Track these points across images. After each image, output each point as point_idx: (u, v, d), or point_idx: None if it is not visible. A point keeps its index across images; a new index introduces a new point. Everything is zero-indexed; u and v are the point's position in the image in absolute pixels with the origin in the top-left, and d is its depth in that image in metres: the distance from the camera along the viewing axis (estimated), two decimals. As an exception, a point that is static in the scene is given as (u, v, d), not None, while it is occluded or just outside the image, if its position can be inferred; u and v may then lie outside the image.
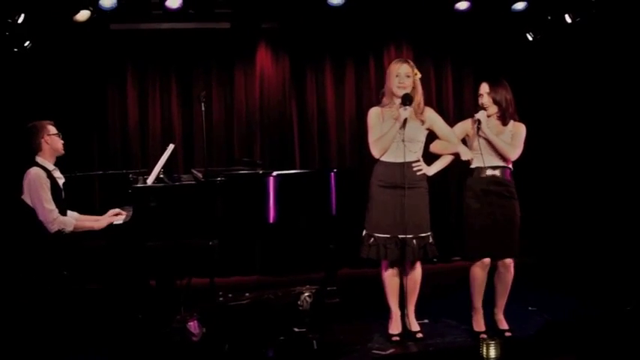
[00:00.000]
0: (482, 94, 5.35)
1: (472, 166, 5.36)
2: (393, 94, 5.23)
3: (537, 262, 7.65)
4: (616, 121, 7.67)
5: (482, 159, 5.32)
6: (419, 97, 5.24)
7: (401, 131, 5.12)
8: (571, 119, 8.25)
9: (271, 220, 5.63)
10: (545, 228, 8.18)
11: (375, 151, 5.22)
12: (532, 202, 7.15)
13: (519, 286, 5.49)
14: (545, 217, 8.21)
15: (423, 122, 5.25)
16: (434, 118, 5.32)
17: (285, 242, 7.76)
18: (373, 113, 5.31)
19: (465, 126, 5.49)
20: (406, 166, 5.16)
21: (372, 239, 5.23)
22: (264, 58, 8.18)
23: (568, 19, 7.54)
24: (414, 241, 5.16)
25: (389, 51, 8.39)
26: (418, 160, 5.27)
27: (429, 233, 5.25)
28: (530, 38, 8.21)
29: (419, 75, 5.26)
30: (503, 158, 5.33)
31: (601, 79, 7.79)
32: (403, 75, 5.18)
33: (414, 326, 5.40)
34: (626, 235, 7.38)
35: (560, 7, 7.63)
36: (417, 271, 5.33)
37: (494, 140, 5.27)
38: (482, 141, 5.30)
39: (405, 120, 5.09)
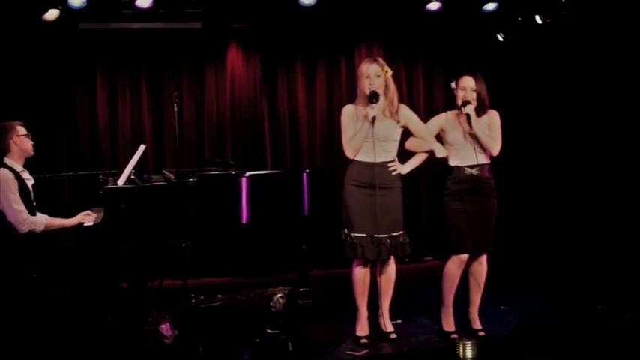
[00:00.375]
0: (465, 88, 5.34)
1: (451, 164, 5.36)
2: (364, 94, 5.21)
3: (509, 261, 7.69)
4: (586, 122, 7.73)
5: (460, 157, 5.33)
6: (391, 93, 5.23)
7: (373, 130, 5.09)
8: (541, 119, 8.33)
9: (244, 221, 5.62)
10: (517, 227, 8.24)
11: (349, 152, 5.21)
12: (504, 201, 7.19)
13: (491, 286, 5.52)
14: (518, 216, 8.26)
15: (398, 121, 5.25)
16: (408, 116, 5.32)
17: (257, 243, 7.74)
18: (347, 111, 5.30)
19: (439, 121, 5.50)
20: (379, 165, 5.15)
21: (349, 238, 5.23)
22: (235, 58, 8.15)
23: (538, 20, 7.60)
24: (388, 240, 5.17)
25: (360, 51, 8.41)
26: (393, 160, 5.26)
27: (401, 232, 5.24)
28: (501, 39, 8.27)
29: (390, 72, 5.25)
30: (483, 155, 5.34)
31: (571, 79, 7.85)
32: (373, 75, 5.18)
33: (388, 326, 5.40)
34: (600, 234, 7.44)
35: (530, 8, 7.70)
36: (391, 269, 5.34)
37: (481, 136, 5.29)
38: (462, 137, 5.32)
39: (374, 118, 5.07)
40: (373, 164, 5.15)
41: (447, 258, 5.50)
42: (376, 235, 5.15)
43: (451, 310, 5.46)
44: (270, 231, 7.35)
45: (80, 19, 7.51)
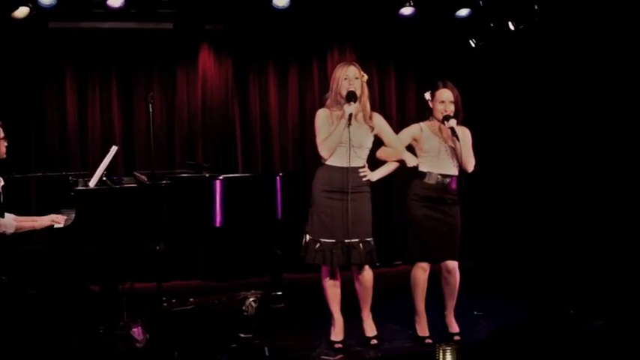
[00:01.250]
0: (444, 102, 5.36)
1: (420, 169, 5.38)
2: (340, 98, 5.19)
3: (479, 265, 7.75)
4: (555, 128, 7.82)
5: (434, 164, 5.35)
6: (365, 98, 5.24)
7: (348, 134, 5.07)
8: (512, 125, 8.42)
9: (217, 224, 5.62)
10: (487, 231, 8.30)
11: (324, 152, 5.17)
12: (475, 206, 7.24)
13: (463, 290, 5.54)
14: (488, 220, 8.33)
15: (372, 128, 5.25)
16: (381, 125, 5.33)
17: (229, 246, 7.73)
18: (322, 114, 5.27)
19: (412, 131, 5.50)
20: (352, 170, 5.14)
21: (319, 244, 5.17)
22: (206, 59, 8.13)
23: (511, 27, 7.64)
24: (361, 245, 5.14)
25: (332, 54, 8.44)
26: (364, 166, 5.25)
27: (371, 238, 5.23)
28: (473, 45, 8.32)
29: (365, 77, 5.28)
30: (456, 168, 5.37)
31: (545, 87, 7.93)
32: (352, 77, 5.19)
33: (369, 332, 5.39)
34: (571, 238, 7.53)
35: (503, 15, 7.75)
36: (368, 275, 5.31)
37: (464, 151, 5.29)
38: (438, 145, 5.34)
39: (351, 116, 5.06)
40: (346, 169, 5.12)
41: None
42: (346, 241, 5.10)
43: (424, 315, 5.47)
44: (243, 234, 7.40)
45: (50, 17, 7.43)
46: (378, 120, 5.32)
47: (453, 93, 5.38)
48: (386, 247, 7.97)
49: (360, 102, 5.20)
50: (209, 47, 8.13)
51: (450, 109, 5.34)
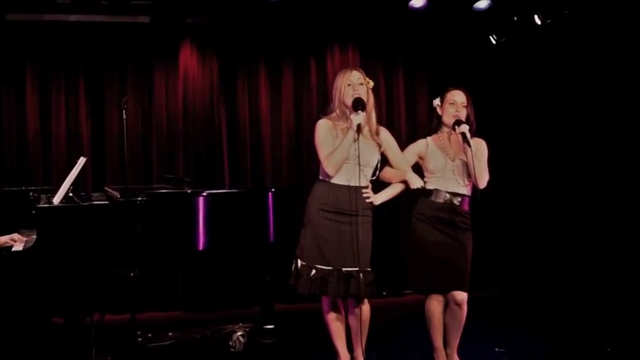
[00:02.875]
0: (454, 103, 5.39)
1: (427, 187, 5.40)
2: (345, 107, 5.20)
3: (499, 294, 7.76)
4: (588, 139, 7.76)
5: (442, 184, 5.38)
6: (370, 107, 5.21)
7: (357, 149, 5.06)
8: (538, 135, 8.38)
9: (200, 247, 5.63)
10: (506, 256, 8.30)
11: (329, 168, 5.12)
12: (492, 227, 7.25)
13: (482, 323, 5.53)
14: (506, 243, 8.33)
15: (379, 145, 5.24)
16: (389, 141, 5.33)
17: (214, 272, 7.71)
18: (323, 125, 5.23)
19: (418, 148, 5.53)
20: (358, 190, 5.14)
21: (314, 272, 5.14)
22: (188, 58, 8.15)
23: (537, 21, 7.65)
24: (361, 275, 5.10)
25: (332, 52, 8.46)
26: (367, 187, 5.24)
27: (370, 269, 5.18)
28: (494, 41, 8.34)
29: (371, 84, 5.28)
30: (466, 187, 5.41)
31: (574, 88, 7.89)
32: (356, 83, 5.18)
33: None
34: (595, 264, 7.52)
35: (528, 7, 7.75)
36: (366, 309, 5.23)
37: (477, 165, 5.30)
38: (444, 163, 5.37)
39: (359, 127, 5.05)
40: (354, 188, 5.12)
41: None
42: (344, 270, 5.08)
43: (443, 352, 5.48)
44: (229, 259, 7.42)
45: (8, 8, 7.45)
46: (386, 136, 5.32)
47: (465, 96, 5.42)
48: (395, 276, 7.95)
49: (364, 112, 5.21)
50: (191, 44, 8.15)
51: (462, 113, 5.37)
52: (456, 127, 5.33)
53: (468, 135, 5.26)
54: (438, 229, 5.34)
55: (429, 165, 5.44)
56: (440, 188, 5.38)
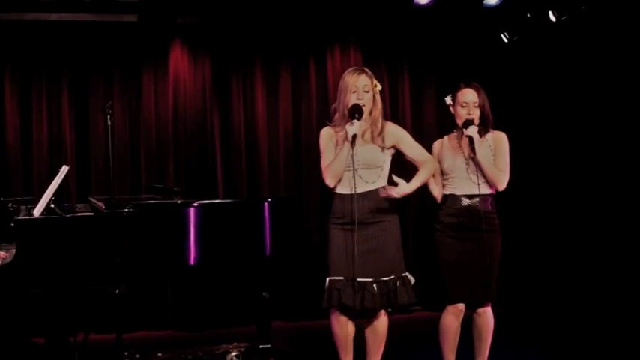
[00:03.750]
0: (466, 104, 5.40)
1: (444, 192, 5.42)
2: (348, 113, 5.24)
3: (507, 310, 7.74)
4: (611, 142, 7.73)
5: (458, 185, 5.40)
6: (377, 112, 5.28)
7: (352, 158, 5.11)
8: (554, 137, 8.36)
9: (192, 262, 5.61)
10: (516, 269, 8.28)
11: (329, 179, 5.25)
12: (510, 239, 7.22)
13: (506, 342, 5.53)
14: (517, 256, 8.30)
15: (382, 146, 5.26)
16: (399, 134, 5.36)
17: (207, 288, 7.71)
18: (324, 134, 5.36)
19: (435, 151, 5.56)
20: (360, 197, 5.16)
21: (327, 283, 5.26)
22: (179, 59, 8.16)
23: (552, 18, 7.63)
24: (374, 285, 5.15)
25: (333, 53, 8.47)
26: (381, 188, 5.24)
27: (392, 277, 5.23)
28: (506, 40, 8.34)
29: (379, 87, 5.33)
30: (486, 185, 5.42)
31: (591, 90, 7.87)
32: (361, 88, 5.23)
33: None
34: (619, 278, 7.51)
35: (542, 3, 7.73)
36: (381, 322, 5.35)
37: (486, 166, 5.34)
38: (461, 163, 5.38)
39: (355, 137, 5.09)
40: (351, 196, 5.16)
41: (440, 308, 5.52)
42: (359, 280, 5.14)
43: None
44: (223, 274, 7.41)
45: (-15, 7, 7.47)
46: (392, 128, 5.35)
47: (478, 94, 5.43)
48: None
49: (370, 117, 5.25)
50: (182, 44, 8.16)
51: (475, 113, 5.39)
52: (464, 129, 5.37)
53: (476, 138, 5.31)
54: (459, 236, 5.38)
55: (443, 165, 5.50)
56: (455, 193, 5.41)
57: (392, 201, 5.28)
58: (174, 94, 8.14)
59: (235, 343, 6.33)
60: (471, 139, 5.30)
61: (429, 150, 5.59)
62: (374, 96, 5.28)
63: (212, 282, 7.58)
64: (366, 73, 5.30)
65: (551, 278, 8.25)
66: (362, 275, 5.13)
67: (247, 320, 7.18)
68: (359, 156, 5.16)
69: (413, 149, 5.39)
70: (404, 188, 5.21)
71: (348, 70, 5.42)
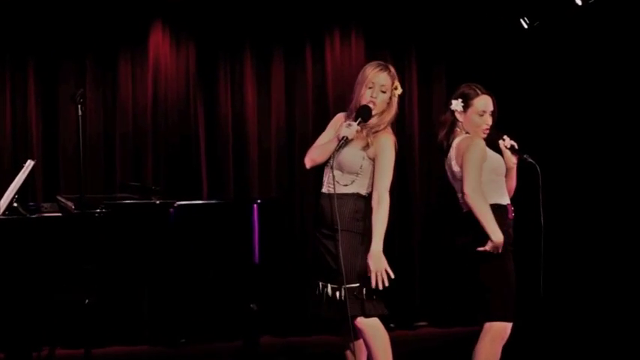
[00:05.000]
0: (484, 113, 5.31)
1: (493, 201, 5.32)
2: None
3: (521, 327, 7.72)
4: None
5: (503, 192, 5.33)
6: (388, 117, 5.21)
7: (334, 152, 5.09)
8: (579, 136, 8.32)
9: (171, 269, 5.60)
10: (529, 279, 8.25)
11: (306, 157, 5.26)
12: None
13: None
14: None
15: (365, 146, 5.19)
16: (383, 148, 5.23)
17: (188, 299, 7.67)
18: (336, 118, 5.40)
19: (483, 148, 5.47)
20: (338, 198, 5.12)
21: (317, 289, 5.24)
22: (160, 43, 8.13)
23: (578, 1, 7.63)
24: (343, 291, 5.09)
25: (332, 39, 8.45)
26: (355, 195, 5.19)
27: (357, 284, 5.14)
28: (526, 25, 8.31)
29: (399, 90, 5.25)
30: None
31: (621, 78, 7.84)
32: (378, 87, 5.16)
33: None
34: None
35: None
36: (362, 330, 5.23)
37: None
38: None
39: (345, 139, 5.05)
40: (327, 195, 5.15)
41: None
42: (331, 286, 5.13)
43: None
44: (206, 283, 7.36)
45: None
46: (384, 140, 5.24)
47: (493, 100, 5.39)
48: (404, 305, 8.02)
49: (379, 118, 5.19)
50: (163, 27, 8.14)
51: (490, 122, 5.36)
52: (500, 141, 5.36)
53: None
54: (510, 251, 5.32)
55: (492, 164, 5.37)
56: (502, 202, 5.32)
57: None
58: (154, 82, 8.11)
59: (220, 360, 6.35)
60: (514, 148, 5.31)
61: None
62: (390, 98, 5.23)
63: (194, 292, 7.53)
64: (389, 71, 5.23)
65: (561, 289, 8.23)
66: (335, 282, 5.11)
67: (233, 335, 7.19)
68: (341, 156, 5.13)
69: (377, 172, 5.21)
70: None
71: (371, 63, 5.33)
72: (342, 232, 5.07)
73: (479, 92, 5.37)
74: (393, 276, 5.03)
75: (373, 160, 5.16)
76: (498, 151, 5.34)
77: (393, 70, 5.27)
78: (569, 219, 8.26)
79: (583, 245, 8.18)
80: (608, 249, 7.95)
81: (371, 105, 5.11)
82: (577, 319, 7.94)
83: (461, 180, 5.19)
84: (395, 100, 5.22)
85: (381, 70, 5.21)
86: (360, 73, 5.26)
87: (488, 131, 5.32)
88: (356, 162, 5.15)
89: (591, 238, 8.12)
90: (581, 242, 8.22)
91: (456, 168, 5.26)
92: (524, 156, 5.32)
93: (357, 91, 5.21)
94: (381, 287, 5.02)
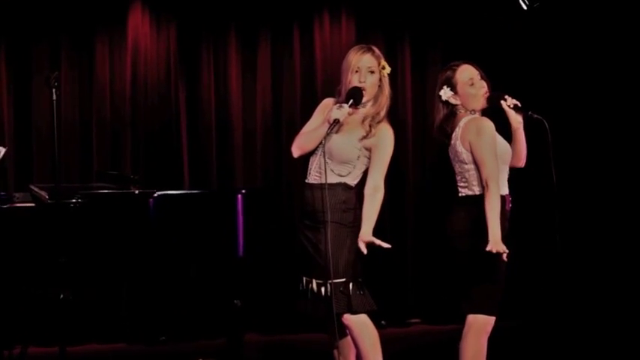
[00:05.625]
0: (472, 81, 5.31)
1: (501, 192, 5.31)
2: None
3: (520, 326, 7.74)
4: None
5: (504, 179, 5.33)
6: (384, 100, 5.23)
7: (323, 142, 5.07)
8: (589, 126, 8.36)
9: (151, 263, 5.59)
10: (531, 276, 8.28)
11: (294, 146, 5.26)
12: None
13: None
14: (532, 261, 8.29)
15: (364, 135, 5.18)
16: (381, 140, 5.25)
17: (168, 294, 7.66)
18: (323, 102, 5.40)
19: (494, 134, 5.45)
20: (328, 188, 5.10)
21: (301, 285, 5.27)
22: (139, 24, 8.10)
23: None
24: (329, 287, 5.07)
25: (321, 21, 8.44)
26: (342, 184, 5.19)
27: (344, 279, 5.15)
28: (525, 6, 8.28)
29: (387, 69, 5.28)
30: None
31: (631, 63, 7.86)
32: (365, 69, 5.17)
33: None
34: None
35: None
36: (350, 326, 5.22)
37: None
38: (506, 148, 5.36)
39: (337, 122, 5.04)
40: (312, 185, 5.19)
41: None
42: (316, 282, 5.16)
43: None
44: (187, 277, 7.35)
45: None
46: (383, 132, 5.24)
47: (477, 68, 5.38)
48: (396, 301, 8.04)
49: (375, 103, 5.21)
50: (143, 7, 8.10)
51: (485, 87, 5.35)
52: (502, 101, 5.31)
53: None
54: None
55: (500, 149, 5.40)
56: (503, 192, 5.31)
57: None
58: (132, 65, 8.08)
59: (202, 359, 6.31)
60: (517, 108, 5.29)
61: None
62: (380, 80, 5.24)
63: (175, 287, 7.52)
64: (373, 52, 5.24)
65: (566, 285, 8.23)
66: (321, 277, 5.12)
67: (216, 332, 7.18)
68: (331, 142, 5.13)
69: (373, 166, 5.25)
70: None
71: (353, 47, 5.37)
72: (330, 224, 5.09)
73: (455, 67, 5.39)
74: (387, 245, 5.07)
75: (369, 150, 5.18)
76: (501, 121, 5.33)
77: (377, 50, 5.28)
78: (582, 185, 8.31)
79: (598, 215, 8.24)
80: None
81: (359, 85, 5.11)
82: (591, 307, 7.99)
83: (464, 162, 5.21)
84: (386, 80, 5.24)
85: (363, 52, 5.22)
86: (344, 60, 5.27)
87: (485, 96, 5.31)
88: (352, 152, 5.18)
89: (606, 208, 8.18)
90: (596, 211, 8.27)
91: (459, 148, 5.23)
92: (529, 112, 5.30)
93: (343, 79, 5.22)
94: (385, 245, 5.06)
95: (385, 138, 5.22)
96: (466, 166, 5.23)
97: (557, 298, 8.12)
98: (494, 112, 5.34)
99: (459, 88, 5.36)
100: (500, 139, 5.29)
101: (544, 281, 8.30)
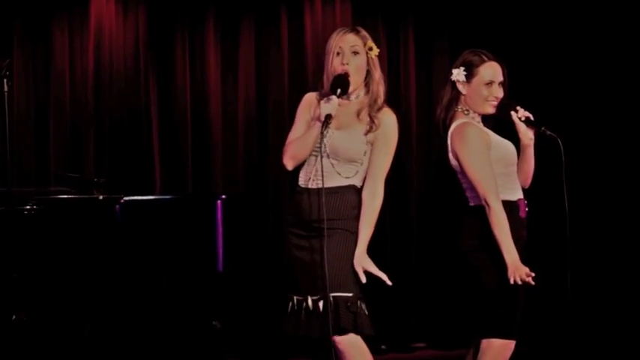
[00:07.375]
0: (491, 83, 5.30)
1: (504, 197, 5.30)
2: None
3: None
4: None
5: (510, 187, 5.29)
6: (375, 85, 5.15)
7: (321, 140, 5.02)
8: (600, 106, 8.42)
9: (117, 278, 5.58)
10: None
11: (286, 157, 5.14)
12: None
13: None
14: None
15: (369, 129, 5.16)
16: (388, 127, 5.22)
17: (137, 315, 7.61)
18: (305, 100, 5.29)
19: (484, 138, 5.44)
20: (328, 193, 5.05)
21: (290, 304, 5.15)
22: (103, 6, 8.11)
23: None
24: (320, 304, 5.06)
25: (312, 3, 8.45)
26: (352, 187, 5.15)
27: (352, 294, 5.14)
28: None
29: (375, 50, 5.18)
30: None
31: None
32: (348, 51, 5.10)
33: None
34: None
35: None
36: (343, 353, 5.20)
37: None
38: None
39: (329, 117, 4.99)
40: (311, 190, 5.11)
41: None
42: (312, 298, 5.07)
43: None
44: (159, 296, 7.34)
45: None
46: (387, 121, 5.22)
47: (503, 71, 5.36)
48: (399, 323, 8.10)
49: (367, 92, 5.17)
50: (107, -13, 8.12)
51: (500, 94, 5.32)
52: (512, 112, 5.28)
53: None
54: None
55: (499, 154, 5.40)
56: (510, 198, 5.27)
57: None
58: (95, 52, 8.09)
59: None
60: (528, 121, 5.24)
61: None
62: (368, 62, 5.19)
63: (144, 306, 7.50)
64: (358, 32, 5.18)
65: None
66: (316, 293, 5.05)
67: (192, 358, 7.15)
68: (334, 139, 5.08)
69: (373, 163, 5.20)
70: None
71: (336, 31, 5.27)
72: (336, 231, 5.04)
73: (485, 59, 5.32)
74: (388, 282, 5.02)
75: (372, 144, 5.13)
76: (511, 127, 5.31)
77: (363, 30, 5.19)
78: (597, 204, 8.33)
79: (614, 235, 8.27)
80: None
81: (343, 70, 5.03)
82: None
83: (463, 173, 5.21)
84: (374, 62, 5.15)
85: (345, 32, 5.15)
86: (327, 44, 5.18)
87: (496, 104, 5.28)
88: (360, 148, 5.11)
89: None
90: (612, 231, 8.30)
91: (453, 162, 5.25)
92: (542, 128, 5.24)
93: (326, 65, 5.15)
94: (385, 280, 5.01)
95: (389, 127, 5.16)
96: (467, 177, 5.24)
97: (571, 325, 8.19)
98: (501, 123, 5.36)
99: (474, 80, 5.32)
100: (499, 139, 5.29)
101: (556, 306, 8.34)
